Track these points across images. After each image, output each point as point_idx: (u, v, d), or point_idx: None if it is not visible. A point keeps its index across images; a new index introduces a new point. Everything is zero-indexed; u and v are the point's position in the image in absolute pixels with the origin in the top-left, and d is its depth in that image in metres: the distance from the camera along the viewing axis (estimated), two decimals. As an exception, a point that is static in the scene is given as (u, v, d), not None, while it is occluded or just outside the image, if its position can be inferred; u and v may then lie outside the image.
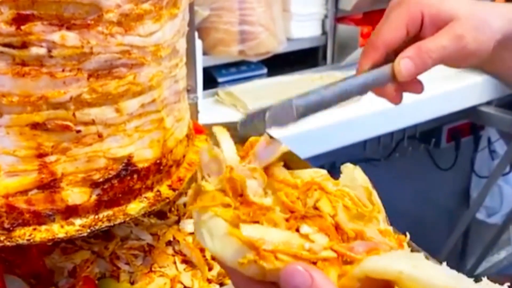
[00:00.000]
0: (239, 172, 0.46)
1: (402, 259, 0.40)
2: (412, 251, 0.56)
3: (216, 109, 1.43)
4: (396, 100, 0.62)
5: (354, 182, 0.50)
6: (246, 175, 0.46)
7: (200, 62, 1.25)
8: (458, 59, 0.59)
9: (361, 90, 0.57)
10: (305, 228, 0.42)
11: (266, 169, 0.47)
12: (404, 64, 0.57)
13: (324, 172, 0.52)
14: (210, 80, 1.49)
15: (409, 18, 0.59)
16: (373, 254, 0.41)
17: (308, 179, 0.48)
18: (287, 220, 0.44)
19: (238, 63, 1.55)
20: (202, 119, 1.08)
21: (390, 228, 0.48)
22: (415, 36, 0.59)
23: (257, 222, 0.42)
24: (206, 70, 1.42)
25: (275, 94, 1.46)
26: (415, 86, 0.61)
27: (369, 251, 0.42)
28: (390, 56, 0.58)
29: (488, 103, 1.78)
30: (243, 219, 0.42)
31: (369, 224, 0.46)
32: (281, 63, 1.61)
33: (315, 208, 0.45)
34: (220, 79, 1.53)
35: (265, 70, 1.61)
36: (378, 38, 0.60)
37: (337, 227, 0.43)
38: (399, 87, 0.60)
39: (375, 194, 0.51)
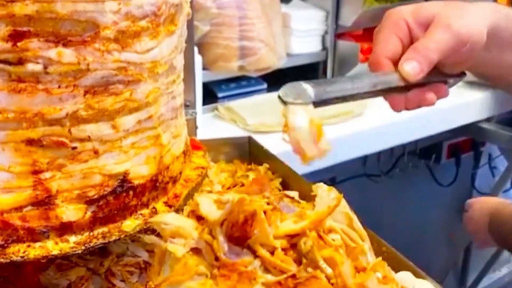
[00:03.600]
0: (217, 233, 0.44)
1: None
2: (415, 275, 0.56)
3: (216, 124, 1.43)
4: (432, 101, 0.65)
5: (330, 204, 0.48)
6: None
7: (200, 77, 1.26)
8: (457, 50, 0.61)
9: (372, 90, 0.60)
10: None
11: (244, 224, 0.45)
12: (408, 65, 0.60)
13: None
14: (210, 95, 1.50)
15: (396, 28, 0.63)
16: None
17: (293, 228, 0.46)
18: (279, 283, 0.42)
19: (238, 78, 1.56)
20: (202, 134, 1.08)
21: (379, 259, 0.47)
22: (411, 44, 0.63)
23: None
24: (206, 85, 1.43)
25: (274, 110, 1.47)
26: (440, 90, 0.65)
27: None
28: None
29: (488, 120, 1.78)
30: None
31: (370, 274, 0.44)
32: (281, 79, 1.61)
33: (310, 262, 0.43)
34: (220, 94, 1.53)
35: (265, 86, 1.61)
36: (379, 56, 0.63)
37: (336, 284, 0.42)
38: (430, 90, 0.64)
39: (355, 219, 0.50)
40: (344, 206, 0.50)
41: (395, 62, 0.63)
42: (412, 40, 0.63)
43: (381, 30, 0.65)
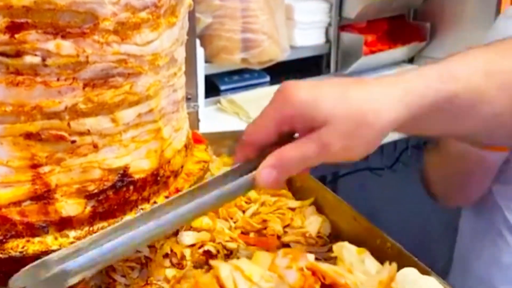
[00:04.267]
0: None
1: None
2: (420, 271, 0.55)
3: (218, 117, 1.42)
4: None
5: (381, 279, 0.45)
6: None
7: (202, 70, 1.25)
8: (330, 161, 0.54)
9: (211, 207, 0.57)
10: None
11: None
12: (263, 176, 0.54)
13: None
14: (213, 88, 1.49)
15: (280, 118, 0.54)
16: None
17: None
18: None
19: (240, 71, 1.55)
20: (204, 127, 1.08)
21: None
22: (290, 134, 0.56)
23: None
24: (208, 78, 1.42)
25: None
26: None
27: None
28: (266, 152, 0.56)
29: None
30: None
31: None
32: (284, 71, 1.61)
33: None
34: (222, 87, 1.52)
35: (268, 78, 1.61)
36: (250, 136, 0.58)
37: None
38: None
39: None
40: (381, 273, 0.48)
41: (262, 147, 0.57)
42: (292, 134, 0.56)
43: (268, 109, 0.56)
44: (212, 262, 0.54)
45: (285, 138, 0.56)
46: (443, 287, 0.52)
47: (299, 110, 0.53)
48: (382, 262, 0.62)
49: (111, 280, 0.64)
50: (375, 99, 0.53)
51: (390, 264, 0.53)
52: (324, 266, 0.45)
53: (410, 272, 0.54)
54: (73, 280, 0.49)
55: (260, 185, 0.55)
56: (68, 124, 0.52)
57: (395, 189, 1.85)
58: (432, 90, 0.54)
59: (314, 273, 0.44)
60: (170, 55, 0.59)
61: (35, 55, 0.49)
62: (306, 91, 0.54)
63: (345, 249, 0.53)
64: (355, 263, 0.52)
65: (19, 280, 0.48)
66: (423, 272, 0.55)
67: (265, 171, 0.54)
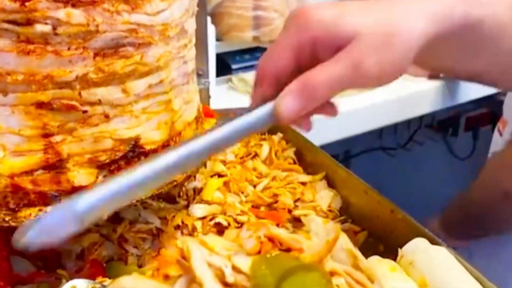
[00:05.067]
0: None
1: None
2: (430, 241, 0.54)
3: (230, 96, 1.42)
4: (306, 127, 0.51)
5: (328, 238, 0.42)
6: None
7: (213, 47, 1.24)
8: (361, 86, 0.47)
9: (226, 144, 0.47)
10: None
11: None
12: (285, 104, 0.46)
13: None
14: (224, 66, 1.48)
15: (297, 44, 0.47)
16: None
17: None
18: None
19: (252, 49, 1.53)
20: (215, 106, 1.07)
21: None
22: (311, 62, 0.47)
23: None
24: (219, 57, 1.41)
25: (289, 81, 1.45)
26: (326, 109, 0.50)
27: None
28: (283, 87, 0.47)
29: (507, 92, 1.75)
30: None
31: None
32: (296, 50, 1.60)
33: None
34: (234, 66, 1.51)
35: (279, 57, 1.59)
36: (264, 69, 0.49)
37: None
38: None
39: (361, 257, 0.44)
40: (346, 242, 0.43)
41: (280, 81, 0.48)
42: (315, 60, 0.47)
43: (282, 36, 0.49)
44: (181, 238, 0.53)
45: (308, 68, 0.47)
46: (454, 256, 0.52)
47: (321, 29, 0.47)
48: (393, 234, 0.63)
49: (124, 251, 0.65)
50: (403, 10, 0.47)
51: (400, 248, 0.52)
52: (282, 234, 0.44)
53: (420, 242, 0.54)
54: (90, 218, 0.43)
55: (280, 116, 0.46)
56: (79, 94, 0.52)
57: (408, 168, 1.84)
58: (459, 11, 0.49)
59: (272, 240, 0.44)
60: (180, 26, 0.59)
61: (46, 23, 0.49)
62: (327, 10, 0.47)
63: (312, 222, 0.52)
64: (320, 232, 0.51)
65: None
66: (434, 242, 0.55)
67: (288, 98, 0.46)
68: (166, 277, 0.44)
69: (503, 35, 0.52)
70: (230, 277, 0.40)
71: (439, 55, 0.53)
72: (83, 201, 0.41)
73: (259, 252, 0.43)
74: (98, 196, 0.42)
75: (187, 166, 0.49)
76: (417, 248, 0.53)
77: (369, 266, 0.43)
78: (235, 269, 0.41)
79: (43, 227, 0.40)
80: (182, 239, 0.46)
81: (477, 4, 0.50)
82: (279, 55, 0.48)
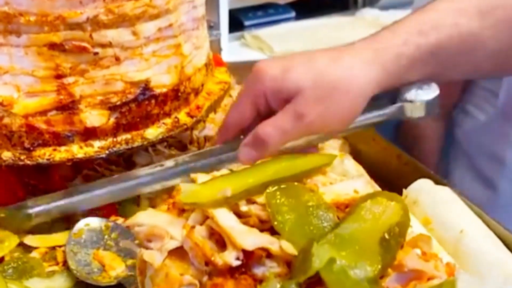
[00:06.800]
0: (201, 234, 0.39)
1: None
2: (435, 182, 0.55)
3: (242, 52, 1.41)
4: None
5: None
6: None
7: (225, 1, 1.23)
8: (309, 134, 0.52)
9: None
10: None
11: None
12: (243, 153, 0.52)
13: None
14: (237, 23, 1.48)
15: (254, 97, 0.53)
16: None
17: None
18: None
19: (265, 6, 1.53)
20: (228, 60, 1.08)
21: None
22: (269, 111, 0.53)
23: None
24: (232, 13, 1.41)
25: (303, 38, 1.44)
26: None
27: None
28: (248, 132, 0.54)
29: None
30: None
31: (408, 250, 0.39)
32: (309, 7, 1.58)
33: None
34: (246, 23, 1.51)
35: (293, 14, 1.58)
36: (228, 121, 0.56)
37: None
38: None
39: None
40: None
41: (242, 129, 0.56)
42: (271, 111, 0.53)
43: (242, 92, 0.55)
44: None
45: (267, 116, 0.54)
46: (457, 196, 0.53)
47: (270, 84, 0.52)
48: (399, 178, 0.63)
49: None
50: (345, 66, 0.51)
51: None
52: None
53: (424, 182, 0.55)
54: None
55: (243, 163, 0.53)
56: (90, 36, 0.53)
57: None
58: (412, 46, 0.51)
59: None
60: (189, -31, 0.59)
61: (56, -36, 0.49)
62: (275, 66, 0.53)
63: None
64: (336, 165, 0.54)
65: None
66: (439, 183, 0.56)
67: (244, 150, 0.52)
68: (181, 212, 0.45)
69: (474, 46, 0.53)
70: (244, 207, 0.42)
71: (410, 79, 0.54)
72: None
73: None
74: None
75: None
76: (421, 188, 0.54)
77: None
78: (249, 200, 0.42)
79: None
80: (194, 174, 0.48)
81: (433, 30, 0.52)
82: (241, 107, 0.55)
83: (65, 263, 0.54)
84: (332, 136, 0.56)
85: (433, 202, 0.52)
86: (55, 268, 0.55)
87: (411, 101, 0.54)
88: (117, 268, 0.53)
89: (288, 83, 0.51)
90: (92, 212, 0.61)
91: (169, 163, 0.57)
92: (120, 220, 0.59)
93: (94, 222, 0.58)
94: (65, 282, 0.53)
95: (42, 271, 0.54)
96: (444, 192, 0.53)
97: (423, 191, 0.53)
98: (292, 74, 0.51)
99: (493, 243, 0.49)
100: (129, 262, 0.54)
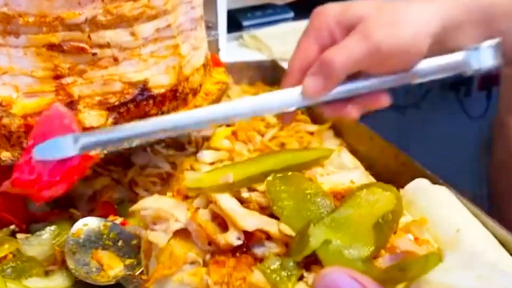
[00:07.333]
0: (204, 216, 0.41)
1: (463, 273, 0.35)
2: (432, 181, 0.56)
3: (241, 53, 1.42)
4: (351, 115, 0.53)
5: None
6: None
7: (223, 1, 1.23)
8: (377, 63, 0.49)
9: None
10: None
11: None
12: (307, 82, 0.50)
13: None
14: (235, 23, 1.48)
15: (317, 31, 0.52)
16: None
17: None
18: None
19: (263, 6, 1.53)
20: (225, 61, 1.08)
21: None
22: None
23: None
24: (231, 14, 1.41)
25: (301, 39, 1.44)
26: (374, 101, 0.53)
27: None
28: None
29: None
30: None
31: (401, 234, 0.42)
32: (308, 7, 1.58)
33: None
34: (245, 23, 1.51)
35: (291, 14, 1.58)
36: (292, 64, 0.54)
37: None
38: (355, 103, 0.52)
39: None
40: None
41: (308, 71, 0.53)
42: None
43: (302, 35, 0.54)
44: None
45: None
46: (454, 195, 0.53)
47: (333, 14, 0.51)
48: (397, 178, 0.64)
49: (134, 194, 0.67)
50: (407, 1, 0.51)
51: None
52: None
53: (421, 182, 0.55)
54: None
55: (308, 95, 0.50)
56: (89, 36, 0.54)
57: (420, 127, 1.84)
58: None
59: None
60: (187, -29, 0.60)
61: (55, -35, 0.50)
62: (337, 4, 0.53)
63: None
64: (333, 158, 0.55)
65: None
66: (435, 182, 0.56)
67: (309, 80, 0.50)
68: (185, 198, 0.47)
69: None
70: (245, 194, 0.43)
71: (457, 38, 0.52)
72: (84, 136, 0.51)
73: None
74: (98, 134, 0.52)
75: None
76: (418, 188, 0.54)
77: None
78: (250, 188, 0.44)
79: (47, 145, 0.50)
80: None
81: None
82: (305, 43, 0.53)
83: (63, 262, 0.54)
84: (404, 70, 0.51)
85: (430, 202, 0.52)
86: (54, 267, 0.55)
87: (475, 49, 0.50)
88: (116, 268, 0.53)
89: (352, 11, 0.51)
90: (90, 213, 0.62)
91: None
92: (118, 220, 0.60)
93: (93, 222, 0.58)
94: (64, 282, 0.53)
95: (41, 270, 0.54)
96: (441, 192, 0.53)
97: (420, 190, 0.54)
98: (354, 6, 0.52)
99: (489, 243, 0.49)
100: (128, 261, 0.54)
